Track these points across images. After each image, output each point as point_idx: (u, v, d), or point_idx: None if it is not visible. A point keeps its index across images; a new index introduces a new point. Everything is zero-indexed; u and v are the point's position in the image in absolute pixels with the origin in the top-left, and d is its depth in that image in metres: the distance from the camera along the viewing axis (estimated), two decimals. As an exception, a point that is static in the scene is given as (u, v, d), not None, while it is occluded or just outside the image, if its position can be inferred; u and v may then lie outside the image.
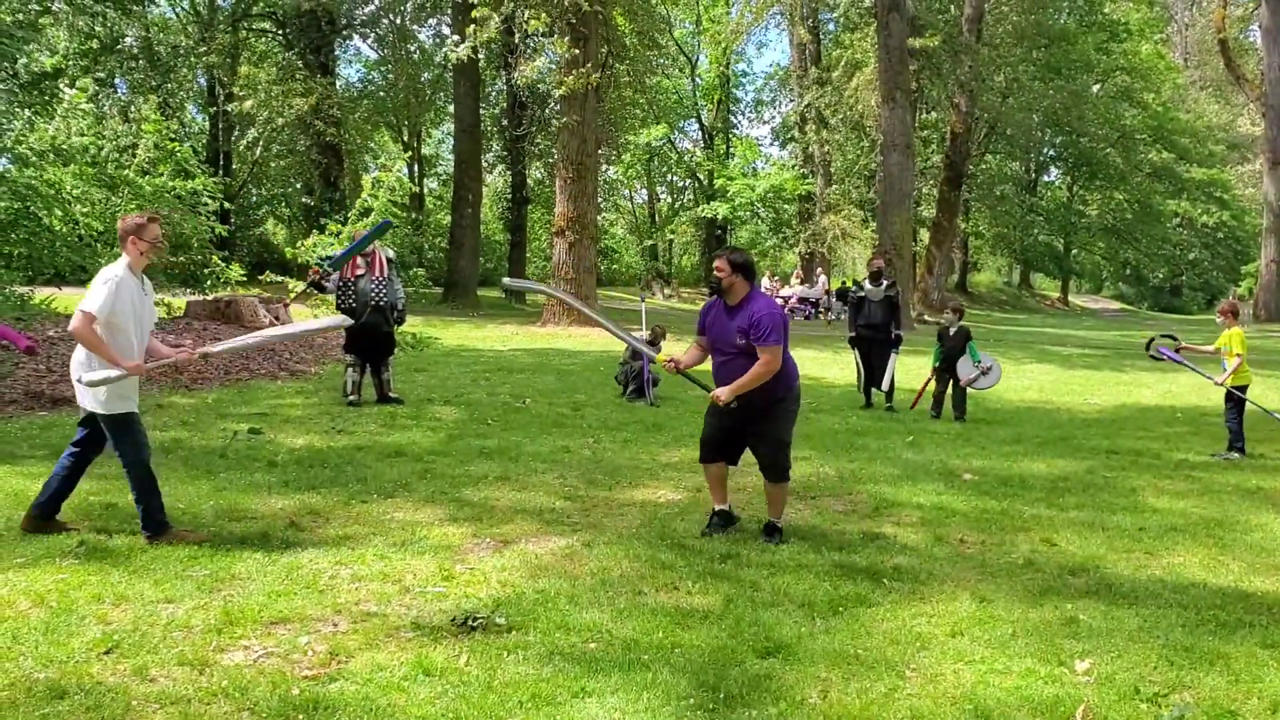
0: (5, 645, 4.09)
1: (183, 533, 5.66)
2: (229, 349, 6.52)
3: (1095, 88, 41.61)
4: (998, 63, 34.20)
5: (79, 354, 5.58)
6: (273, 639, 4.31)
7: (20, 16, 15.80)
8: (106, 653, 4.08)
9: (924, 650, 4.42)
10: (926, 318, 30.29)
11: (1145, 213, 47.37)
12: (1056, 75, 37.22)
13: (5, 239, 14.96)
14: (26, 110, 16.03)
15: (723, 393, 5.91)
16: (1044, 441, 9.92)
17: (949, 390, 11.33)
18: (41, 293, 16.15)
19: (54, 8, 20.02)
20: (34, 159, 15.41)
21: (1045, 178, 54.40)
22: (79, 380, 5.55)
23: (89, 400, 5.56)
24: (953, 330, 11.41)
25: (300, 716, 3.59)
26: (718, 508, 6.32)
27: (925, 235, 38.85)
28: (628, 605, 4.82)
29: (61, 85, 17.58)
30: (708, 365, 6.27)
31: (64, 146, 16.31)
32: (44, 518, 5.76)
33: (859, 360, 12.02)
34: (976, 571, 5.58)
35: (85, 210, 16.58)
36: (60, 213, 15.66)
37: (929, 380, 11.62)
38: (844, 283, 30.52)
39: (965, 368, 11.20)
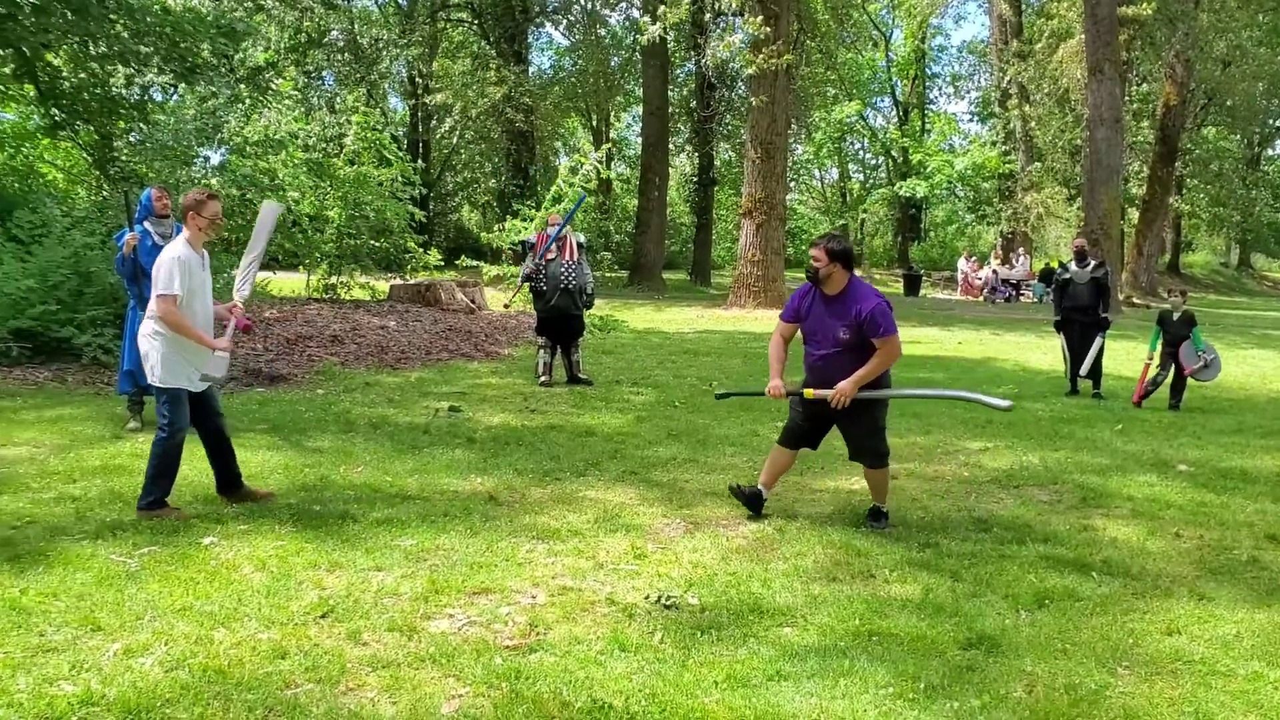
0: (232, 607, 4.36)
1: (171, 511, 5.67)
2: (249, 285, 6.31)
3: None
4: (1218, 29, 31.92)
5: (145, 329, 5.65)
6: (475, 609, 4.44)
7: (239, 14, 16.83)
8: (322, 616, 4.30)
9: (1137, 648, 4.18)
10: (1135, 300, 28.74)
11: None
12: (1285, 39, 34.53)
13: (225, 225, 15.99)
14: (243, 104, 17.07)
15: (846, 386, 5.62)
16: (1268, 432, 9.25)
17: (1169, 378, 10.65)
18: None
19: (266, 5, 21.18)
20: (250, 149, 16.41)
21: (1270, 151, 50.60)
22: (147, 355, 5.64)
23: (153, 374, 5.64)
24: (1176, 315, 10.72)
25: (504, 684, 3.69)
26: (762, 486, 6.06)
27: (1134, 214, 36.78)
28: (822, 591, 4.75)
29: (271, 78, 18.65)
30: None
31: (276, 136, 17.29)
32: (225, 488, 6.01)
33: (1064, 345, 11.49)
34: (1194, 568, 5.25)
35: (296, 197, 17.54)
36: (275, 199, 16.60)
37: (1146, 368, 10.91)
38: (1047, 264, 29.28)
39: (1189, 355, 10.49)
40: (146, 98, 15.11)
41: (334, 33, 33.48)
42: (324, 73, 33.89)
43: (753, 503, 6.02)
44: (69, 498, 5.95)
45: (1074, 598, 4.74)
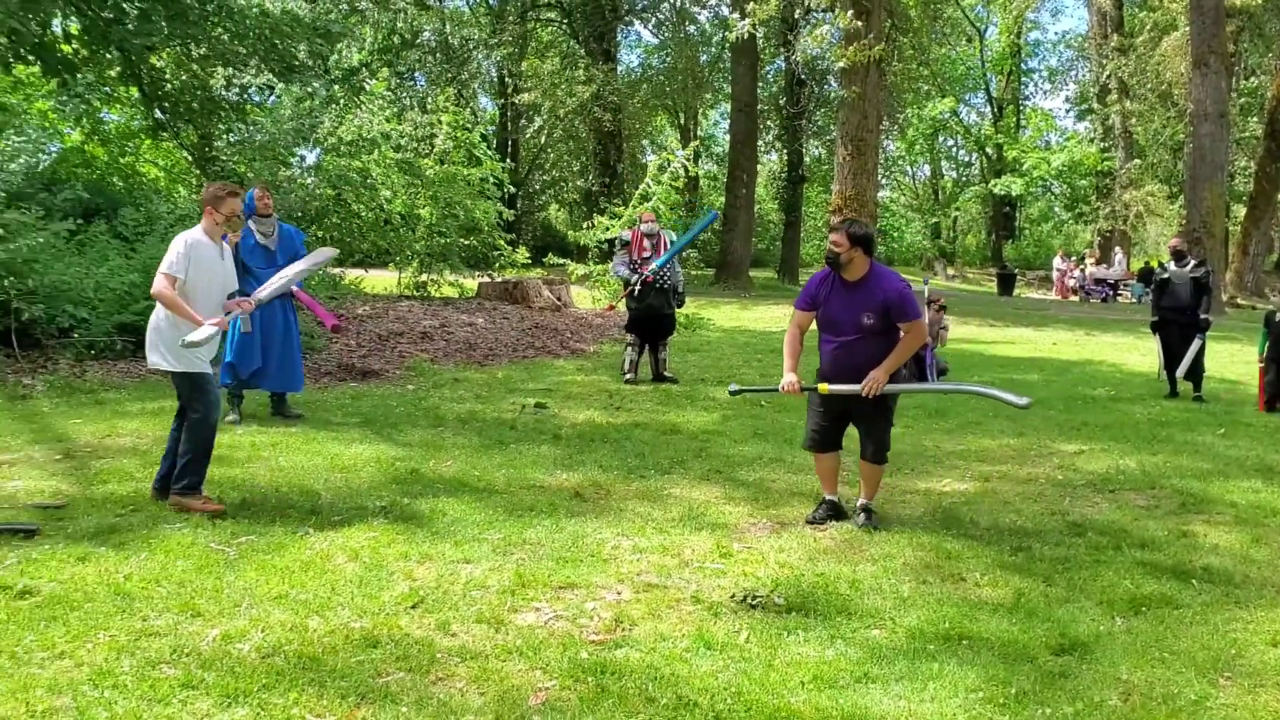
0: (325, 596, 4.46)
1: (205, 503, 5.63)
2: (271, 294, 6.50)
3: None
4: (1331, 18, 30.73)
5: (155, 316, 5.71)
6: (561, 603, 4.48)
7: (333, 16, 17.19)
8: (413, 607, 4.37)
9: (1240, 658, 4.04)
10: (1240, 301, 27.78)
11: None
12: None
13: (320, 224, 16.37)
14: (339, 104, 17.44)
15: (879, 375, 5.52)
16: (1384, 439, 8.86)
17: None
18: (351, 274, 17.52)
19: (361, 6, 21.59)
20: (345, 148, 16.75)
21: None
22: (154, 346, 5.71)
23: (166, 359, 5.66)
24: (1279, 316, 10.35)
25: (590, 679, 3.71)
26: (829, 497, 5.97)
27: (1240, 212, 35.55)
28: (912, 594, 4.68)
29: (365, 78, 19.02)
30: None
31: (369, 135, 17.63)
32: (161, 491, 5.84)
33: (1160, 346, 11.15)
34: (1303, 578, 5.06)
35: (389, 195, 17.86)
36: (368, 198, 16.94)
37: (1262, 372, 10.48)
38: (1146, 263, 28.49)
39: None
40: (245, 98, 15.53)
41: (426, 33, 34.01)
42: (416, 73, 34.45)
43: (833, 513, 5.92)
44: (171, 487, 6.15)
45: (1172, 605, 4.60)
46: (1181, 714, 3.57)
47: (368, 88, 18.82)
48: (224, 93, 15.33)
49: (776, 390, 5.94)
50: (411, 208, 18.26)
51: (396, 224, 17.98)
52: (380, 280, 19.25)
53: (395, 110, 21.28)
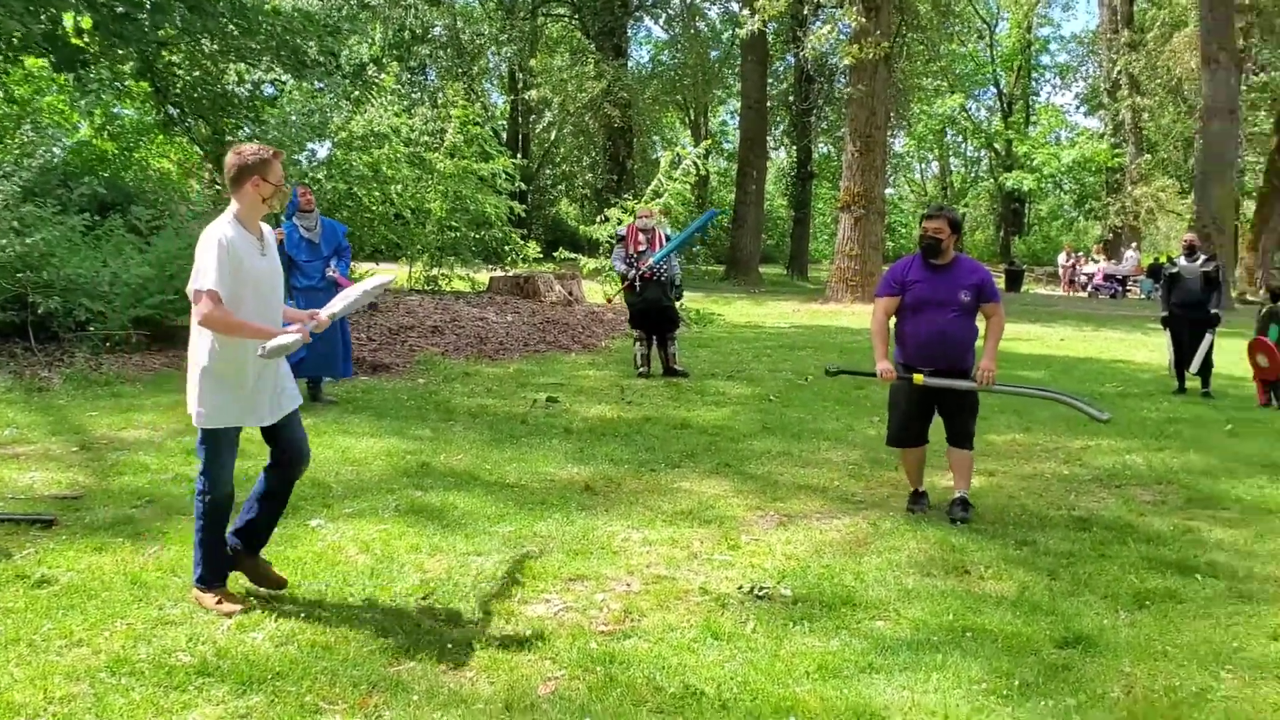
0: (338, 586, 4.52)
1: (220, 602, 4.24)
2: (340, 310, 4.57)
3: None
4: (1343, 14, 30.57)
5: (195, 344, 4.22)
6: (571, 594, 4.54)
7: (344, 13, 17.27)
8: (424, 598, 4.44)
9: (1241, 652, 4.08)
10: (1250, 297, 27.70)
11: None
12: None
13: (331, 217, 16.43)
14: (350, 99, 17.51)
15: (991, 365, 5.82)
16: (1391, 435, 8.87)
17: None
18: (362, 268, 17.59)
19: (372, 2, 21.68)
20: (356, 142, 16.82)
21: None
22: (195, 383, 4.22)
23: (190, 406, 4.25)
24: (1263, 309, 10.51)
25: (598, 668, 3.77)
26: (920, 489, 6.15)
27: (1250, 208, 35.43)
28: (916, 586, 4.73)
29: (375, 74, 19.09)
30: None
31: (379, 130, 17.70)
32: (233, 557, 4.43)
33: (1170, 342, 11.16)
34: (1307, 573, 5.09)
35: (400, 190, 17.93)
36: (379, 192, 17.01)
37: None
38: (1156, 258, 28.43)
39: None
40: (256, 94, 15.61)
41: (437, 28, 34.08)
42: (427, 68, 34.52)
43: (918, 501, 6.11)
44: (185, 479, 6.21)
45: (1176, 599, 4.65)
46: (1183, 706, 3.62)
47: (378, 82, 18.88)
48: (236, 89, 15.41)
49: (874, 375, 6.03)
50: (421, 202, 18.33)
51: (407, 218, 18.04)
52: (390, 274, 19.28)
53: (406, 105, 21.36)
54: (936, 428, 6.08)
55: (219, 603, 4.23)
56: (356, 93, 17.74)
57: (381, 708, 3.46)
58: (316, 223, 8.87)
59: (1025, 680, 3.77)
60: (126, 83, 15.00)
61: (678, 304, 11.66)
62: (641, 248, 10.98)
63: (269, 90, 16.37)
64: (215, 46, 13.66)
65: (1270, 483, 6.95)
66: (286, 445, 4.39)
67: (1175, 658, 4.01)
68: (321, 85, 15.75)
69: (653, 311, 11.06)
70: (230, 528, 4.39)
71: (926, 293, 5.86)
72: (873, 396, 10.16)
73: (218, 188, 15.62)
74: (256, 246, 4.21)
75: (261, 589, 4.43)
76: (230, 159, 4.19)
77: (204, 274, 4.02)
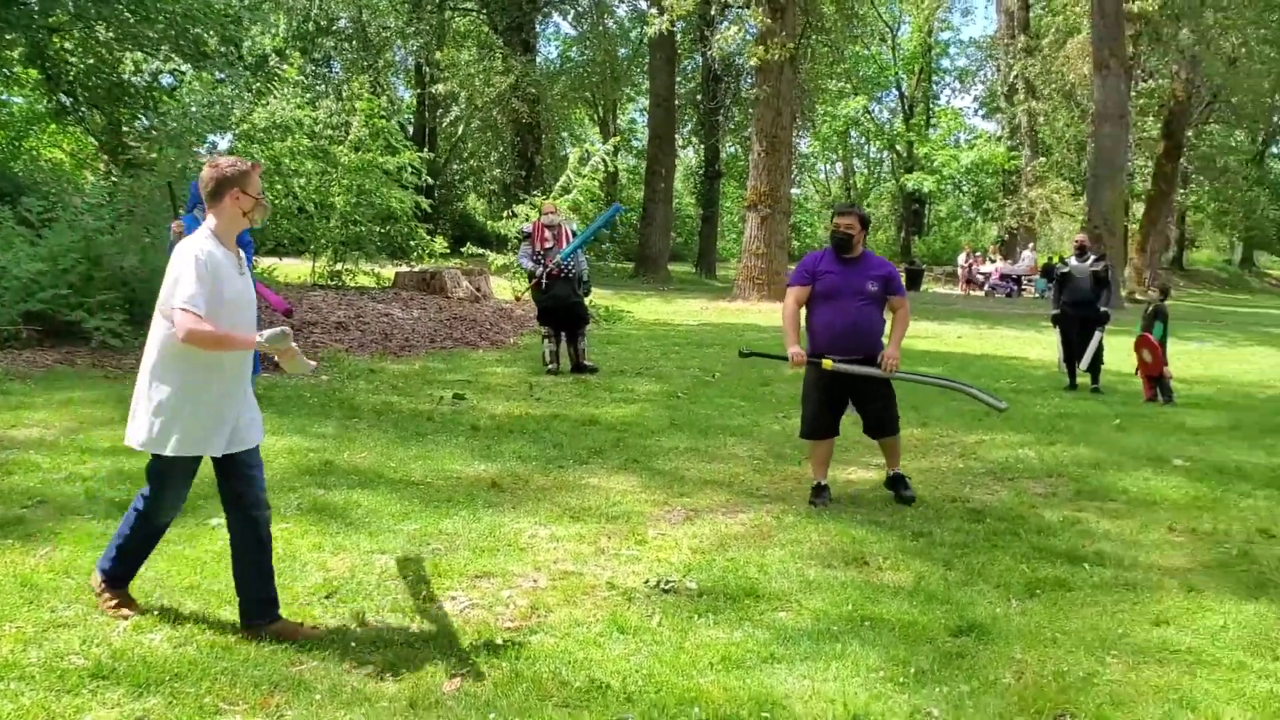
0: (239, 585, 4.45)
1: (118, 607, 4.11)
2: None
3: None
4: (1224, 26, 31.86)
5: (158, 363, 3.94)
6: (477, 592, 4.54)
7: (246, 1, 16.90)
8: (327, 597, 4.39)
9: (1126, 637, 4.26)
10: (1139, 296, 28.75)
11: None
12: (1293, 39, 34.37)
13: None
14: (252, 90, 17.16)
15: (894, 353, 6.11)
16: (1265, 429, 9.30)
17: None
18: (264, 263, 17.23)
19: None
20: (259, 135, 16.48)
21: (1274, 149, 50.47)
22: (140, 413, 3.96)
23: (140, 431, 3.94)
24: (1149, 308, 11.13)
25: (504, 664, 3.78)
26: (822, 481, 6.35)
27: (1140, 210, 36.76)
28: (817, 577, 4.84)
29: (278, 65, 18.72)
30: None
31: (282, 122, 17.36)
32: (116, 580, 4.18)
33: (1060, 339, 11.54)
34: (1185, 560, 5.32)
35: (303, 184, 17.61)
36: (282, 186, 16.68)
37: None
38: (1050, 258, 29.32)
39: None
40: (154, 84, 15.20)
41: (342, 20, 33.52)
42: (331, 60, 33.93)
43: (819, 494, 6.27)
44: (79, 478, 6.05)
45: (1065, 588, 4.82)
46: (1070, 690, 3.76)
47: (281, 73, 18.52)
48: (132, 78, 14.98)
49: (785, 358, 6.26)
50: (326, 196, 18.02)
51: (310, 212, 17.72)
52: (293, 269, 18.96)
53: (310, 97, 20.97)
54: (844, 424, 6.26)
55: (116, 606, 4.08)
56: (259, 84, 17.39)
57: (283, 707, 3.42)
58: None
59: (921, 668, 3.88)
60: (14, 69, 14.47)
61: (586, 300, 11.68)
62: (548, 244, 10.99)
63: (168, 80, 15.96)
64: (111, 34, 13.27)
65: (1155, 475, 7.24)
66: (242, 479, 4.11)
67: (1064, 644, 4.17)
68: (223, 76, 15.40)
69: (561, 309, 11.07)
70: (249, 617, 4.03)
71: (838, 282, 6.15)
72: (778, 393, 10.32)
73: (114, 180, 15.18)
74: (235, 264, 3.96)
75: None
76: (207, 173, 3.97)
77: (183, 289, 3.76)
